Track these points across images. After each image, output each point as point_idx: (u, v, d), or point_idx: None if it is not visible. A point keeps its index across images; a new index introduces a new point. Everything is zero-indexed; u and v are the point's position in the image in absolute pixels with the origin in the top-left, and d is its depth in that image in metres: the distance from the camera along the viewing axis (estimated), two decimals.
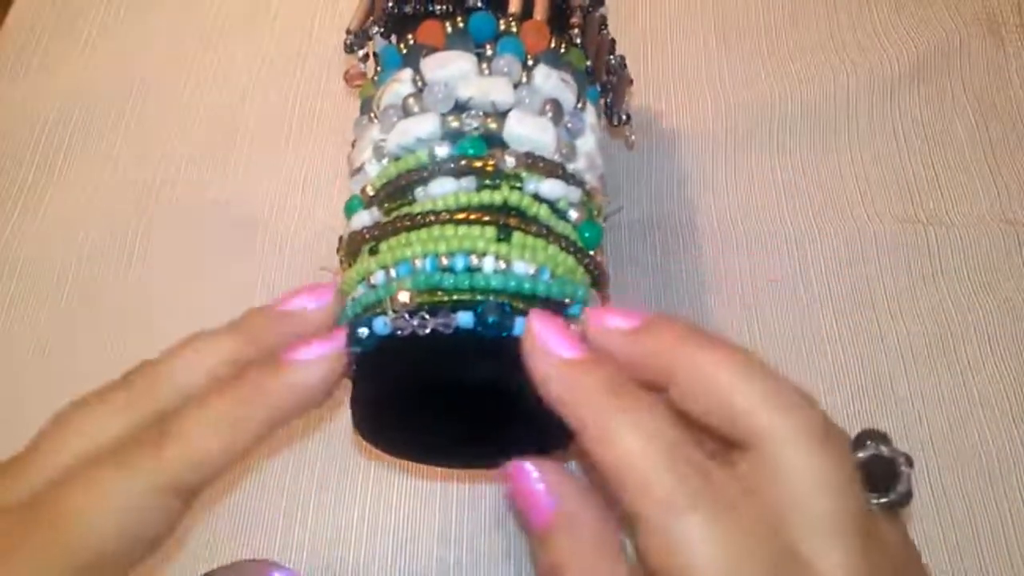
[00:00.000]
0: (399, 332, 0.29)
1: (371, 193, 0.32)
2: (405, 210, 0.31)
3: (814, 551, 0.23)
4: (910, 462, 0.25)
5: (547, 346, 0.26)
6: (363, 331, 0.29)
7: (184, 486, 0.26)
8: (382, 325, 0.29)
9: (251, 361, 0.28)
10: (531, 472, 0.27)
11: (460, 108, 0.32)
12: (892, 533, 0.25)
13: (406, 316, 0.28)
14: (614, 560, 0.26)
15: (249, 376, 0.27)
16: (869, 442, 0.25)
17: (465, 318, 0.28)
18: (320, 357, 0.27)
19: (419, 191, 0.31)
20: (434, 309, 0.28)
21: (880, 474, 0.24)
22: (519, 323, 0.28)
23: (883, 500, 0.24)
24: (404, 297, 0.29)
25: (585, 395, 0.25)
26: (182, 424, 0.26)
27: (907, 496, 0.25)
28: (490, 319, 0.28)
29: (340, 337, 0.28)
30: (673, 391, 0.26)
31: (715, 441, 0.26)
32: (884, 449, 0.25)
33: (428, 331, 0.28)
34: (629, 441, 0.24)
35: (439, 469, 0.40)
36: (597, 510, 0.27)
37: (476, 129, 0.31)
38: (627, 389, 0.25)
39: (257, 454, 0.41)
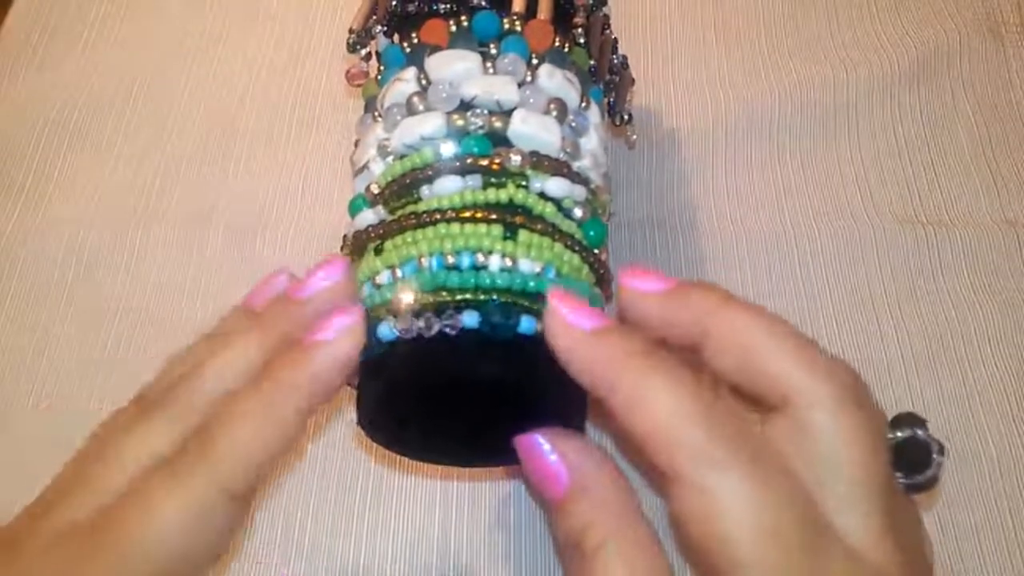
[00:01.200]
0: (404, 335, 0.29)
1: (376, 192, 0.32)
2: (410, 209, 0.31)
3: (844, 518, 0.23)
4: (943, 450, 0.25)
5: (569, 320, 0.26)
6: (370, 339, 0.29)
7: (236, 487, 0.26)
8: (387, 330, 0.29)
9: (277, 350, 0.28)
10: (542, 445, 0.27)
11: (465, 107, 0.32)
12: (909, 511, 0.25)
13: (411, 318, 0.28)
14: (634, 520, 0.26)
15: (276, 368, 0.27)
16: (905, 425, 0.25)
17: (470, 318, 0.28)
18: (340, 332, 0.27)
19: (424, 189, 0.31)
20: (439, 309, 0.28)
21: (912, 457, 0.25)
22: (525, 322, 0.28)
23: (909, 482, 0.25)
24: (408, 298, 0.29)
25: (614, 359, 0.25)
26: (222, 426, 0.26)
27: (933, 481, 0.25)
28: (495, 319, 0.28)
29: (357, 311, 0.28)
30: (706, 351, 0.26)
31: (746, 403, 0.26)
32: (920, 433, 0.25)
33: (433, 333, 0.28)
34: (663, 399, 0.24)
35: (440, 469, 0.40)
36: (613, 473, 0.27)
37: (481, 128, 0.31)
38: (656, 350, 0.25)
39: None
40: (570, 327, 0.26)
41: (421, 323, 0.28)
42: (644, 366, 0.24)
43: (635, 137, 0.43)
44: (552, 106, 0.32)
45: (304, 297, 0.29)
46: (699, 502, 0.23)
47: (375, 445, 0.35)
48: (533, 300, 0.29)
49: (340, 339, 0.27)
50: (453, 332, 0.28)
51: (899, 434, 0.25)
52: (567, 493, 0.26)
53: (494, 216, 0.30)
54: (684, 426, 0.23)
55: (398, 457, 0.38)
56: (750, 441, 0.23)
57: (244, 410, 0.26)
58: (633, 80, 0.42)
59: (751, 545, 0.22)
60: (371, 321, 0.29)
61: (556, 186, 0.31)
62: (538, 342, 0.28)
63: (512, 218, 0.30)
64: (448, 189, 0.31)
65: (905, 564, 0.23)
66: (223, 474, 0.25)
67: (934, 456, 0.25)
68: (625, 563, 0.24)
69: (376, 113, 0.34)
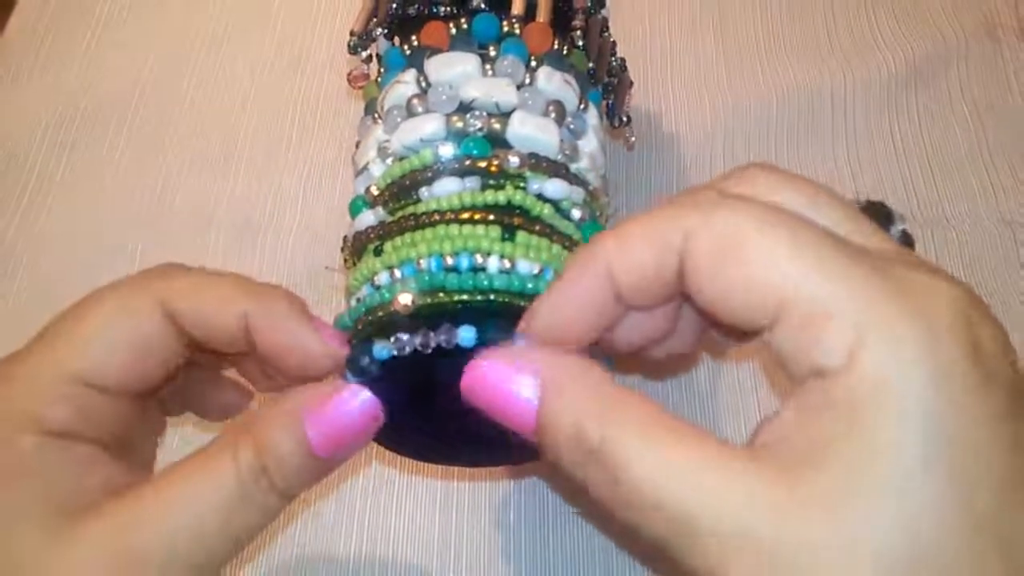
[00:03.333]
0: (400, 354, 0.29)
1: (376, 193, 0.32)
2: (410, 210, 0.31)
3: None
4: (900, 215, 0.25)
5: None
6: (365, 360, 0.29)
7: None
8: (383, 351, 0.29)
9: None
10: (490, 375, 0.24)
11: (464, 109, 0.32)
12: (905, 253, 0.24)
13: (404, 337, 0.28)
14: (617, 395, 0.22)
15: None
16: (858, 200, 0.25)
17: (467, 338, 0.28)
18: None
19: (423, 191, 0.31)
20: (436, 319, 0.28)
21: (876, 218, 0.25)
22: (519, 339, 0.28)
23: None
24: (406, 300, 0.29)
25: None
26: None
27: (906, 237, 0.25)
28: (491, 335, 0.28)
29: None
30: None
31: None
32: (873, 199, 0.25)
33: (430, 351, 0.28)
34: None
35: (440, 469, 0.40)
36: (570, 356, 0.24)
37: (480, 130, 0.32)
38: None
39: None
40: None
41: (418, 340, 0.28)
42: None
43: (634, 139, 0.43)
44: (551, 108, 0.32)
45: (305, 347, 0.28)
46: (711, 238, 0.21)
47: (375, 445, 0.35)
48: (531, 302, 0.29)
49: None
50: (449, 347, 0.28)
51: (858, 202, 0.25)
52: (542, 404, 0.23)
53: (492, 217, 0.30)
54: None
55: (398, 457, 0.39)
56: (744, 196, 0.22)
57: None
58: (632, 82, 0.42)
59: (784, 250, 0.20)
60: (366, 339, 0.29)
61: (554, 188, 0.31)
62: None
63: (510, 219, 0.30)
64: (447, 191, 0.31)
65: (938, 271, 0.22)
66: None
67: (894, 211, 0.25)
68: (641, 436, 0.21)
69: (376, 115, 0.35)
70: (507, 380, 0.24)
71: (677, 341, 0.28)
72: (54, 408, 0.25)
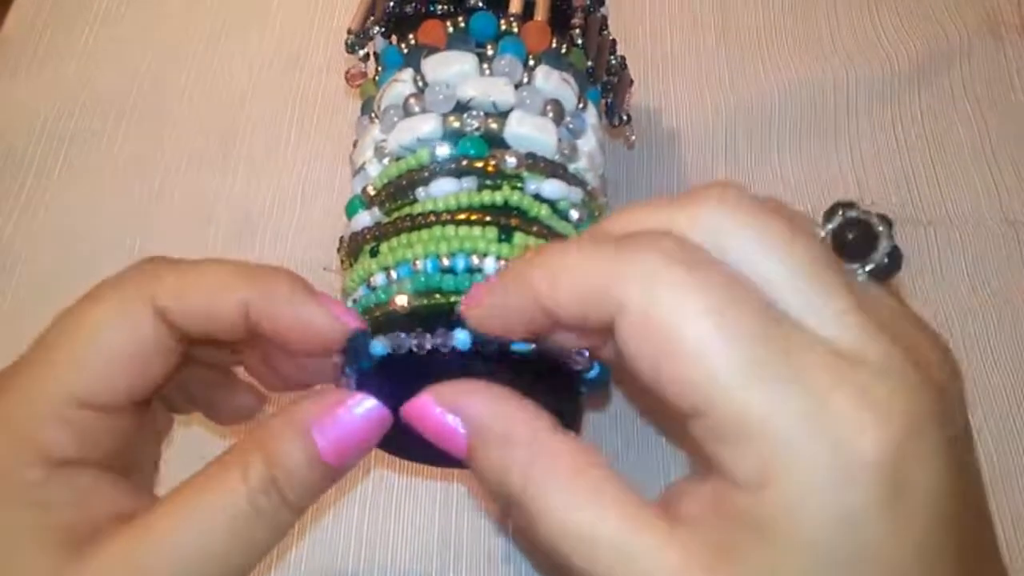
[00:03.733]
0: (396, 352, 0.28)
1: (372, 193, 0.32)
2: (406, 210, 0.31)
3: (812, 319, 0.20)
4: (887, 221, 0.22)
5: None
6: (362, 356, 0.29)
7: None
8: (380, 348, 0.29)
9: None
10: (430, 405, 0.24)
11: (461, 108, 0.32)
12: (885, 298, 0.22)
13: (402, 335, 0.28)
14: (548, 442, 0.23)
15: None
16: (834, 214, 0.22)
17: (463, 339, 0.28)
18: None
19: (420, 191, 0.31)
20: (433, 320, 0.28)
21: (856, 240, 0.22)
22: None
23: (871, 268, 0.22)
24: (402, 301, 0.29)
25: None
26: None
27: (892, 256, 0.22)
28: (488, 338, 0.27)
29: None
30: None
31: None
32: (852, 212, 0.22)
33: (424, 352, 0.28)
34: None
35: (439, 470, 0.40)
36: (511, 404, 0.24)
37: (477, 129, 0.31)
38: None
39: None
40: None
41: (414, 340, 0.28)
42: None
43: (634, 138, 0.43)
44: (549, 107, 0.32)
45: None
46: (644, 323, 0.20)
47: (374, 448, 0.35)
48: None
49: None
50: (445, 350, 0.28)
51: (829, 226, 0.22)
52: (470, 448, 0.24)
53: (489, 218, 0.30)
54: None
55: (397, 459, 0.38)
56: (685, 249, 0.21)
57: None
58: (631, 81, 0.42)
59: (711, 350, 0.19)
60: (363, 334, 0.29)
61: (552, 188, 0.31)
62: (531, 358, 0.28)
63: (507, 220, 0.30)
64: (444, 191, 0.31)
65: (905, 354, 0.20)
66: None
67: (879, 228, 0.22)
68: (559, 491, 0.21)
69: (373, 114, 0.34)
70: (442, 414, 0.24)
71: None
72: (56, 434, 0.25)
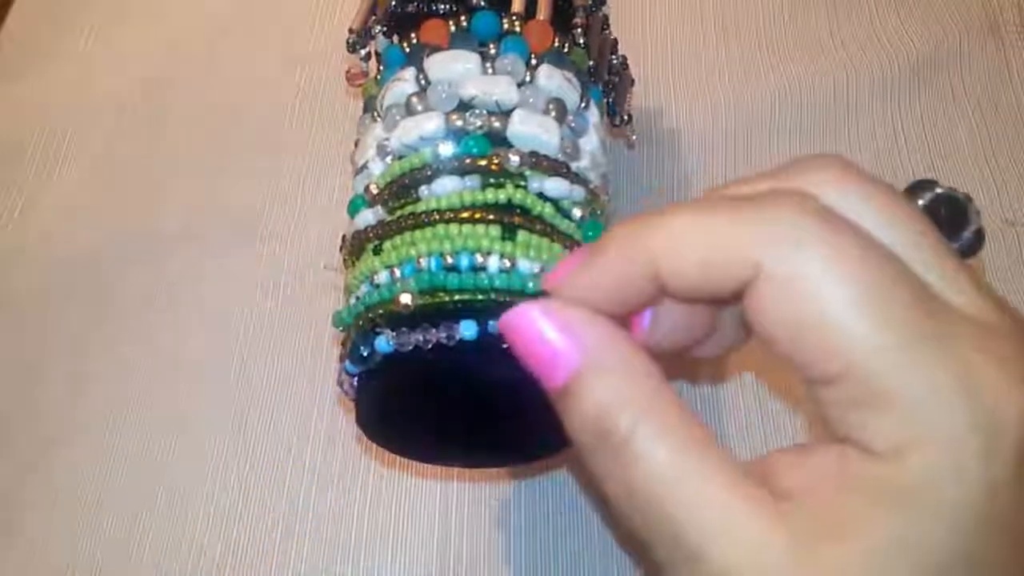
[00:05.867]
0: (401, 348, 0.28)
1: (375, 192, 0.32)
2: (409, 209, 0.31)
3: (949, 292, 0.20)
4: (971, 200, 0.23)
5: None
6: (367, 351, 0.29)
7: None
8: (384, 343, 0.29)
9: None
10: (537, 321, 0.22)
11: (464, 107, 0.32)
12: (976, 275, 0.22)
13: (407, 331, 0.28)
14: (664, 392, 0.21)
15: None
16: (923, 190, 0.22)
17: (468, 329, 0.28)
18: None
19: (423, 190, 0.31)
20: (436, 318, 0.28)
21: (950, 215, 0.22)
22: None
23: (957, 244, 0.22)
24: (406, 299, 0.29)
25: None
26: None
27: (979, 235, 0.22)
28: (493, 323, 0.28)
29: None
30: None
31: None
32: (941, 190, 0.22)
33: (431, 346, 0.28)
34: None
35: (440, 469, 0.40)
36: (628, 341, 0.22)
37: (480, 128, 0.31)
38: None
39: (255, 454, 0.41)
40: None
41: (419, 336, 0.28)
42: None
43: (635, 137, 0.43)
44: (551, 106, 0.32)
45: None
46: (790, 288, 0.19)
47: (375, 446, 0.35)
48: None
49: None
50: (451, 343, 0.28)
51: (921, 202, 0.22)
52: (577, 374, 0.21)
53: (492, 216, 0.30)
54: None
55: (398, 457, 0.38)
56: (827, 210, 0.20)
57: None
58: (633, 80, 0.42)
59: (861, 317, 0.19)
60: (369, 330, 0.29)
61: (555, 186, 0.31)
62: None
63: (511, 219, 0.30)
64: (447, 189, 0.31)
65: (1016, 325, 0.20)
66: None
67: (967, 206, 0.22)
68: (669, 442, 0.20)
69: (375, 113, 0.34)
70: (551, 330, 0.22)
71: (716, 341, 0.26)
72: None
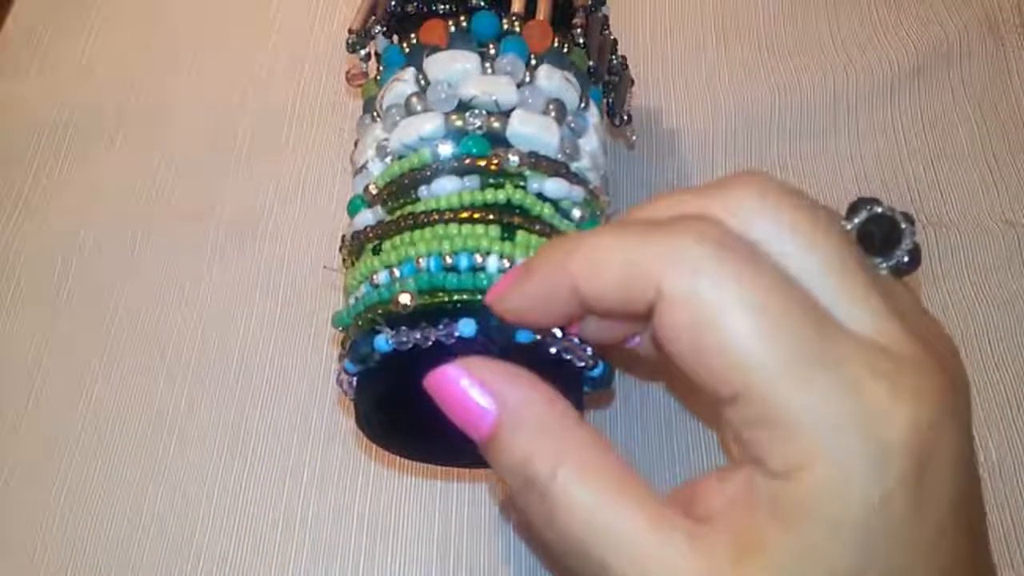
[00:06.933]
0: (401, 347, 0.28)
1: (374, 192, 0.32)
2: (408, 209, 0.31)
3: (844, 310, 0.21)
4: (910, 219, 0.23)
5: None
6: (366, 350, 0.29)
7: None
8: (383, 343, 0.29)
9: None
10: (459, 380, 0.23)
11: (463, 107, 0.32)
12: (904, 292, 0.23)
13: (406, 330, 0.28)
14: (579, 434, 0.23)
15: None
16: (860, 209, 0.23)
17: (467, 327, 0.28)
18: None
19: (422, 190, 0.31)
20: (436, 318, 0.28)
21: (882, 235, 0.23)
22: (522, 331, 0.28)
23: (890, 263, 0.23)
24: (405, 299, 0.29)
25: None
26: None
27: (914, 254, 0.23)
28: (492, 322, 0.28)
29: None
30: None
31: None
32: (878, 208, 0.23)
33: (430, 344, 0.28)
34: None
35: (439, 469, 0.40)
36: (543, 389, 0.23)
37: (479, 128, 0.31)
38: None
39: (254, 454, 0.41)
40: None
41: (417, 335, 0.28)
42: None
43: (635, 138, 0.43)
44: (551, 107, 0.32)
45: None
46: (686, 311, 0.20)
47: (374, 446, 0.35)
48: None
49: None
50: (450, 342, 0.28)
51: (856, 220, 0.23)
52: (496, 427, 0.23)
53: (492, 217, 0.30)
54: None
55: (398, 458, 0.38)
56: (727, 236, 0.21)
57: None
58: (632, 81, 0.42)
59: (754, 341, 0.20)
60: (368, 330, 0.29)
61: (554, 187, 0.31)
62: (535, 348, 0.28)
63: (510, 219, 0.30)
64: (446, 189, 0.31)
65: (926, 348, 0.21)
66: None
67: (903, 225, 0.23)
68: (587, 485, 0.22)
69: (375, 113, 0.34)
70: (469, 388, 0.23)
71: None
72: None
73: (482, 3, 0.34)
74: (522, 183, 0.31)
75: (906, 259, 0.23)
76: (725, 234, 0.21)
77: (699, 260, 0.20)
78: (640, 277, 0.21)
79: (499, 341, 0.28)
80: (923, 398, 0.20)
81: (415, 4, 0.35)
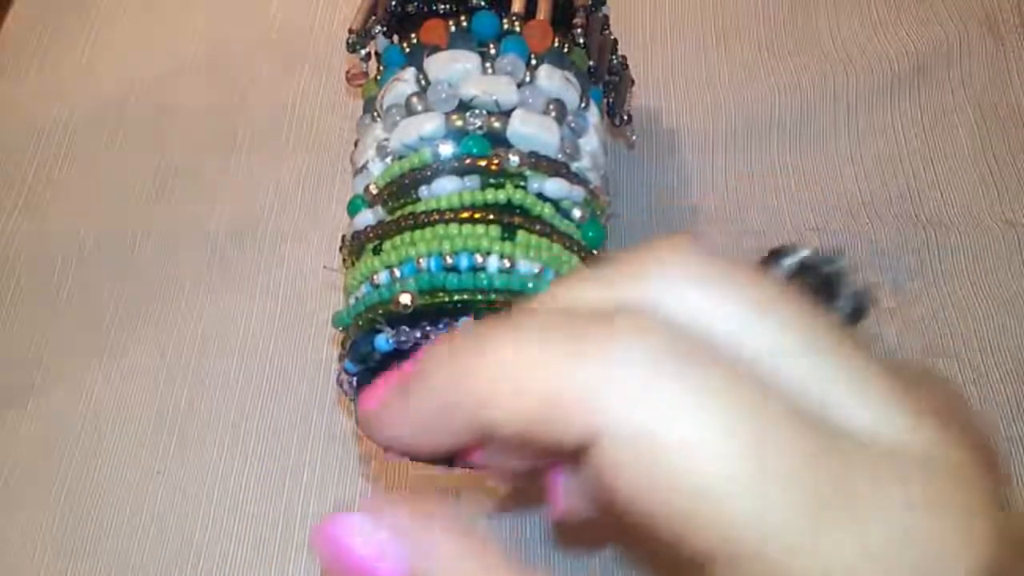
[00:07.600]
0: (401, 346, 0.29)
1: (375, 192, 0.32)
2: (409, 209, 0.31)
3: (845, 412, 0.16)
4: (840, 257, 0.19)
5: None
6: (367, 349, 0.29)
7: None
8: (384, 342, 0.29)
9: None
10: (357, 527, 0.18)
11: (464, 107, 0.32)
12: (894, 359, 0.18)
13: (407, 329, 0.28)
14: (495, 570, 0.19)
15: None
16: (781, 258, 0.19)
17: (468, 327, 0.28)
18: None
19: (423, 190, 0.31)
20: (436, 317, 0.28)
21: (815, 286, 0.19)
22: None
23: (845, 314, 0.19)
24: (406, 299, 0.29)
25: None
26: None
27: (860, 300, 0.19)
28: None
29: None
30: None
31: None
32: (806, 252, 0.19)
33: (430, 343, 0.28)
34: None
35: (439, 469, 0.40)
36: (450, 532, 0.19)
37: (480, 128, 0.31)
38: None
39: (254, 454, 0.41)
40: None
41: (417, 334, 0.28)
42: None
43: (635, 138, 0.43)
44: (551, 107, 0.32)
45: None
46: (639, 453, 0.15)
47: (373, 445, 0.35)
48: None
49: None
50: None
51: (781, 273, 0.19)
52: None
53: (492, 217, 0.30)
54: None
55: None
56: (680, 341, 0.16)
57: None
58: (632, 81, 0.42)
59: (741, 484, 0.15)
60: (368, 329, 0.29)
61: (555, 187, 0.31)
62: None
63: (510, 219, 0.30)
64: (446, 189, 0.31)
65: (947, 436, 0.16)
66: None
67: (836, 268, 0.19)
68: None
69: (375, 113, 0.34)
70: (365, 547, 0.18)
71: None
72: None
73: (482, 3, 0.34)
74: (522, 183, 0.31)
75: (850, 309, 0.19)
76: (671, 336, 0.16)
77: (650, 380, 0.15)
78: (570, 410, 0.16)
79: None
80: (976, 516, 0.15)
81: (415, 4, 0.35)
